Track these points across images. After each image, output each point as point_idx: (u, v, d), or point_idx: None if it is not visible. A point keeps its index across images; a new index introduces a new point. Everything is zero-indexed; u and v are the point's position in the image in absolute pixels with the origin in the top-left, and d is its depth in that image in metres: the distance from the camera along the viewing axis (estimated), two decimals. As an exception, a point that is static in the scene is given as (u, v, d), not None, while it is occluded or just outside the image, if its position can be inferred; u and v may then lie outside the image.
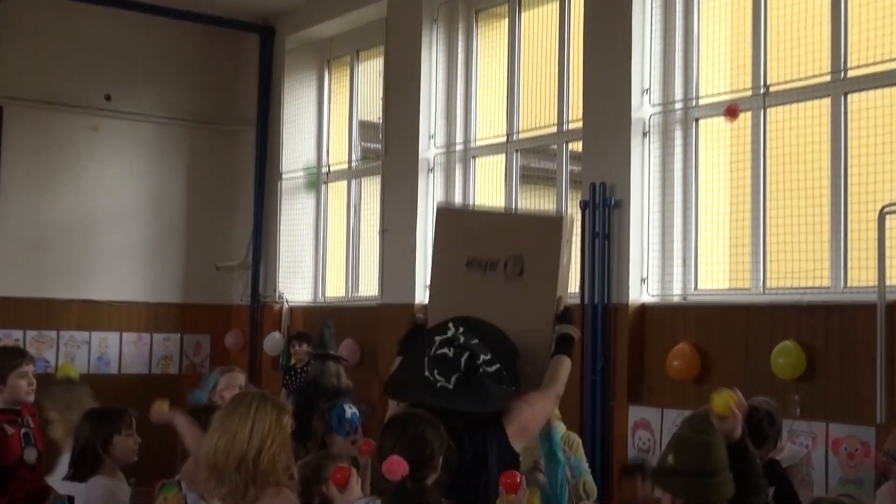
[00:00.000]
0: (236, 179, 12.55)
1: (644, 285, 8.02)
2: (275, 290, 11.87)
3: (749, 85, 7.65)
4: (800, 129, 7.29)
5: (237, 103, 12.57)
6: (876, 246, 6.57)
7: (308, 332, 10.63)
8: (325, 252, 11.76)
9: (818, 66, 7.20)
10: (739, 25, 7.76)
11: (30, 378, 5.28)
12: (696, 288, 7.94)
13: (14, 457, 5.01)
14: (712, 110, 7.89)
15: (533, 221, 4.18)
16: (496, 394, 3.50)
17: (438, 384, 3.52)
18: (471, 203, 9.49)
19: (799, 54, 7.31)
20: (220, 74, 12.55)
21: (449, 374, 3.54)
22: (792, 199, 7.27)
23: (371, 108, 11.14)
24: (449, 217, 4.29)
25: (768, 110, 7.51)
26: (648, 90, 8.10)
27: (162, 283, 12.10)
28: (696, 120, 8.03)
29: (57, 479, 4.95)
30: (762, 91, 7.54)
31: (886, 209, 6.58)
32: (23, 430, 5.08)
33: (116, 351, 11.76)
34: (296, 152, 11.97)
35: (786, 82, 7.42)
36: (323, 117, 11.92)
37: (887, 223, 6.58)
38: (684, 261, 7.99)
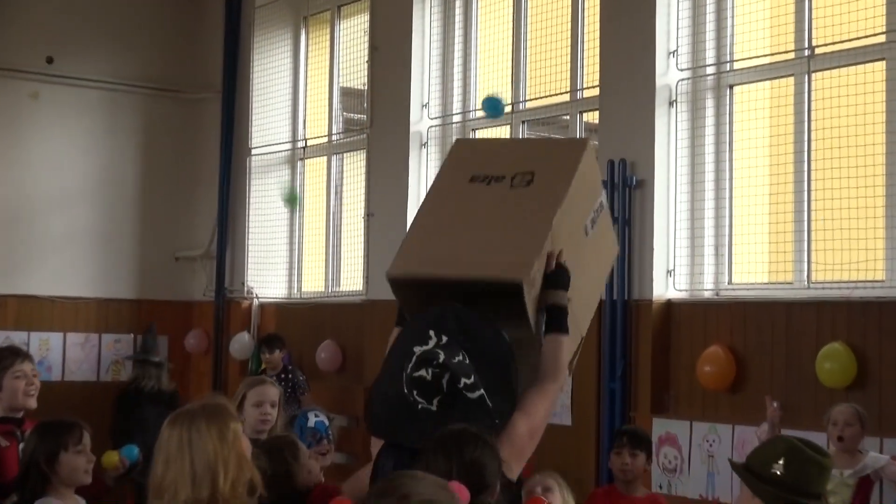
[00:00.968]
0: (198, 156, 12.56)
1: (670, 279, 8.04)
2: (243, 285, 11.90)
3: (791, 46, 7.65)
4: (850, 97, 7.28)
5: (199, 67, 12.58)
6: (938, 233, 6.61)
7: (281, 333, 10.68)
8: (302, 240, 11.76)
9: (871, 23, 7.19)
10: (781, -23, 7.77)
11: (29, 378, 5.26)
12: (730, 282, 7.96)
13: (8, 475, 4.97)
14: (749, 75, 7.90)
15: (556, 143, 4.10)
16: (485, 424, 3.47)
17: (420, 406, 3.51)
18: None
19: (849, 10, 7.30)
20: (180, 33, 12.56)
21: (430, 397, 3.52)
22: (841, 178, 7.27)
23: (355, 73, 11.13)
24: (462, 146, 4.31)
25: (813, 75, 7.52)
26: (675, 52, 8.11)
27: (112, 276, 12.12)
28: (731, 87, 8.04)
29: None
30: (807, 53, 7.55)
31: (950, 190, 6.61)
32: (21, 445, 5.01)
33: (59, 354, 11.78)
34: (267, 124, 11.99)
35: (834, 43, 7.42)
36: (299, 84, 11.93)
37: (951, 207, 6.60)
38: (717, 250, 8.01)
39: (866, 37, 7.21)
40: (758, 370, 7.47)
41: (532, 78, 9.39)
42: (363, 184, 10.61)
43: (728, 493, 7.32)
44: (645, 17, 8.09)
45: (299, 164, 11.85)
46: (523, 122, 9.43)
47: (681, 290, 8.02)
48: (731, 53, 8.03)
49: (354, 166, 11.03)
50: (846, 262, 7.19)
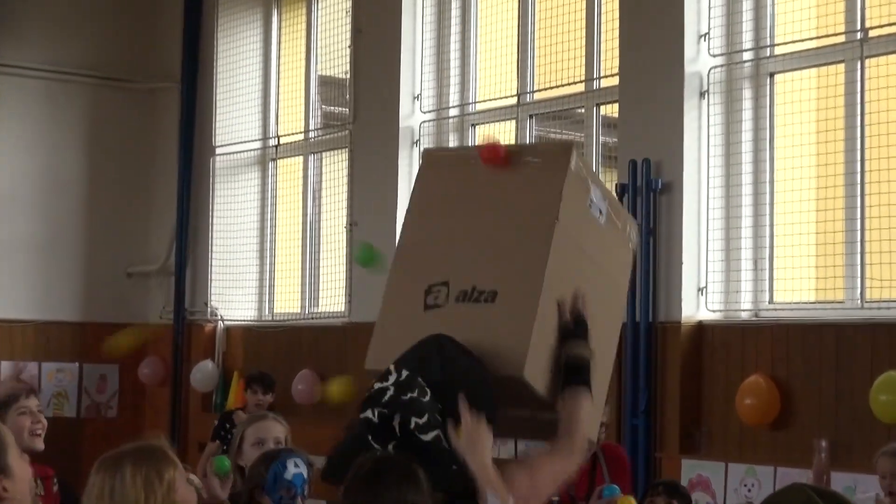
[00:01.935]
0: (154, 155, 12.56)
1: (702, 297, 8.05)
2: (206, 305, 11.89)
3: (841, 28, 7.67)
4: (910, 87, 7.30)
5: (155, 52, 12.59)
6: None
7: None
8: (274, 253, 11.77)
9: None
10: (829, -51, 7.78)
11: (35, 415, 5.27)
12: (771, 301, 7.96)
13: None
14: (792, 62, 7.92)
15: (535, 162, 4.13)
16: (441, 469, 3.48)
17: (378, 453, 3.52)
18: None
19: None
20: (132, 14, 12.56)
21: (385, 441, 3.54)
22: (899, 181, 7.30)
23: (335, 59, 11.14)
24: (430, 169, 4.34)
25: (867, 61, 7.52)
26: (707, 36, 8.13)
27: (55, 295, 12.10)
28: (771, 75, 8.05)
29: None
30: (859, 36, 7.56)
31: None
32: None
33: (-7, 386, 11.78)
34: (234, 119, 12.00)
35: (891, 24, 7.43)
36: (270, 72, 11.95)
37: None
38: (756, 264, 8.01)
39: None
40: (804, 403, 7.46)
41: (541, 65, 9.40)
42: (345, 188, 10.61)
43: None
44: (672, -6, 8.13)
45: (271, 164, 11.85)
46: (531, 116, 9.44)
47: (714, 311, 8.03)
48: (772, 37, 8.04)
49: (335, 167, 11.02)
50: (906, 278, 7.20)
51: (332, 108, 11.44)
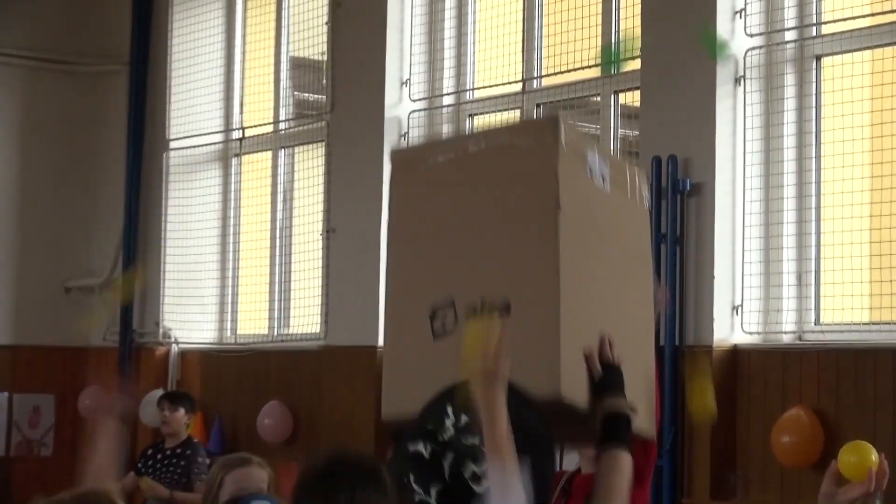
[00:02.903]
0: (99, 150, 12.55)
1: (737, 317, 8.04)
2: (158, 325, 11.90)
3: (901, 4, 7.68)
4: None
5: (101, 31, 12.59)
6: None
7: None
8: (238, 265, 11.76)
9: None
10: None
11: None
12: (817, 322, 7.96)
13: None
14: (843, 43, 7.91)
15: (519, 143, 4.13)
16: None
17: (417, 498, 3.55)
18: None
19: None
20: (74, -14, 12.58)
21: (427, 483, 3.56)
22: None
23: (310, 39, 11.12)
24: (400, 171, 4.33)
25: (930, 44, 7.56)
26: (743, 12, 8.12)
27: (-20, 313, 12.09)
28: (817, 58, 8.05)
29: None
30: (921, 14, 7.58)
31: None
32: None
33: None
34: (192, 108, 12.01)
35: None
36: (234, 54, 11.94)
37: None
38: (799, 279, 8.01)
39: None
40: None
41: (550, 46, 9.40)
42: (321, 188, 10.60)
43: None
44: (702, -36, 8.14)
45: (234, 161, 11.85)
46: (538, 105, 9.44)
47: (751, 333, 8.02)
48: (819, 13, 8.04)
49: (310, 164, 11.03)
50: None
51: (307, 95, 11.44)
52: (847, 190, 7.92)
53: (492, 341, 3.49)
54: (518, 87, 9.49)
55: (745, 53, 8.10)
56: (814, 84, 8.02)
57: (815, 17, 8.05)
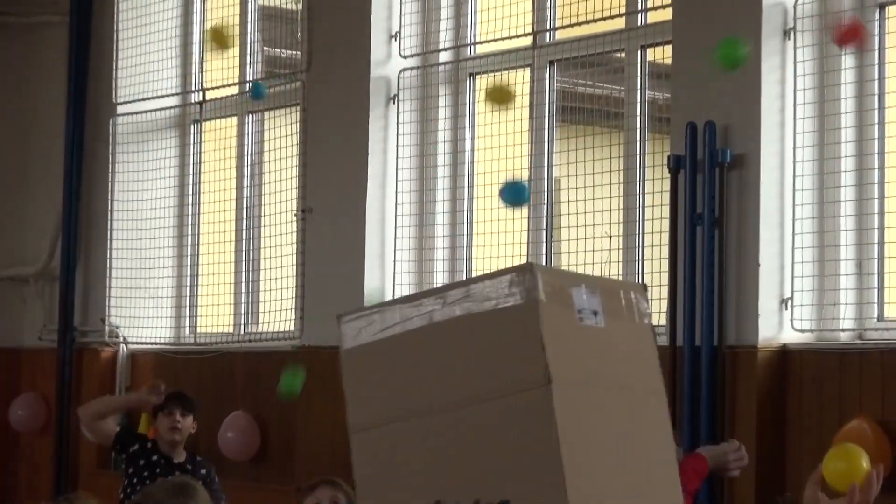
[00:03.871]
0: (34, 115, 12.58)
1: (786, 313, 8.04)
2: (104, 322, 11.90)
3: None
4: None
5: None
6: None
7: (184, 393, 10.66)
8: (198, 251, 11.77)
9: None
10: None
11: None
12: (881, 318, 7.97)
13: None
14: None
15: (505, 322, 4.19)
16: None
17: None
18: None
19: None
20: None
21: None
22: None
23: (282, -15, 11.16)
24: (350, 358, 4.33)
25: None
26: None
27: None
28: (881, 6, 8.05)
29: None
30: None
31: None
32: None
33: None
34: (143, 67, 11.99)
35: None
36: (193, 2, 11.92)
37: None
38: (860, 267, 8.01)
39: None
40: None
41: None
42: (296, 160, 10.60)
43: None
44: None
45: (193, 128, 11.85)
46: (551, 62, 9.44)
47: (803, 331, 8.03)
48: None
49: (282, 132, 11.00)
50: None
51: (279, 51, 11.42)
52: (916, 163, 7.94)
53: None
54: (528, 40, 9.49)
55: (796, 2, 8.05)
56: (878, 34, 7.99)
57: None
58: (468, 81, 9.94)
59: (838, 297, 8.01)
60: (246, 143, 11.45)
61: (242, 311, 11.39)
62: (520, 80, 9.48)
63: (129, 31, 12.07)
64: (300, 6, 10.71)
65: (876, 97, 8.00)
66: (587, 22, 9.21)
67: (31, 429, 12.25)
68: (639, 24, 8.95)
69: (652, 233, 8.69)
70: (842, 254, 8.03)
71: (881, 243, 7.97)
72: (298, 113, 10.66)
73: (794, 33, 8.09)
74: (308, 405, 9.78)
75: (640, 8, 8.94)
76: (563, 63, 9.44)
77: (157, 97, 11.98)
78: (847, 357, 7.86)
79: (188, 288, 11.86)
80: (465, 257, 9.80)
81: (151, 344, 11.80)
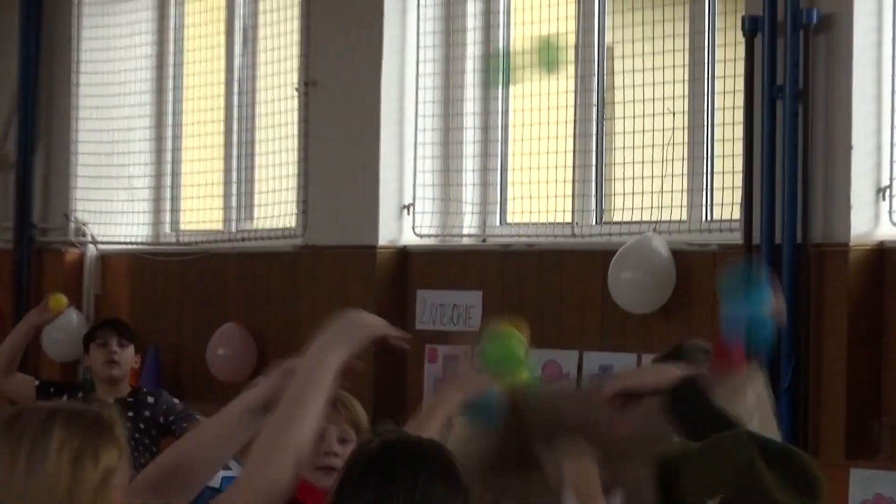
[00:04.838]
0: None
1: (883, 203, 8.04)
2: (67, 218, 11.95)
3: None
4: None
5: None
6: None
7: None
8: (180, 133, 11.79)
9: None
10: None
11: None
12: None
13: None
14: None
15: None
16: None
17: None
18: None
19: None
20: None
21: None
22: None
23: None
24: None
25: None
26: None
27: None
28: None
29: None
30: None
31: None
32: None
33: None
34: None
35: None
36: None
37: None
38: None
39: None
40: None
41: None
42: (297, 24, 10.55)
43: None
44: None
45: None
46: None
47: (905, 227, 7.98)
48: None
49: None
50: None
51: None
52: None
53: None
54: None
55: None
56: None
57: None
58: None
59: (946, 186, 8.02)
60: (238, 2, 11.39)
61: (234, 205, 11.44)
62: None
63: None
64: None
65: None
66: None
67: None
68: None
69: (723, 109, 8.68)
70: (948, 133, 8.02)
71: None
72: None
73: None
74: (313, 315, 9.73)
75: None
76: None
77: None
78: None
79: (169, 177, 11.89)
80: (499, 139, 9.75)
81: (125, 244, 11.85)
